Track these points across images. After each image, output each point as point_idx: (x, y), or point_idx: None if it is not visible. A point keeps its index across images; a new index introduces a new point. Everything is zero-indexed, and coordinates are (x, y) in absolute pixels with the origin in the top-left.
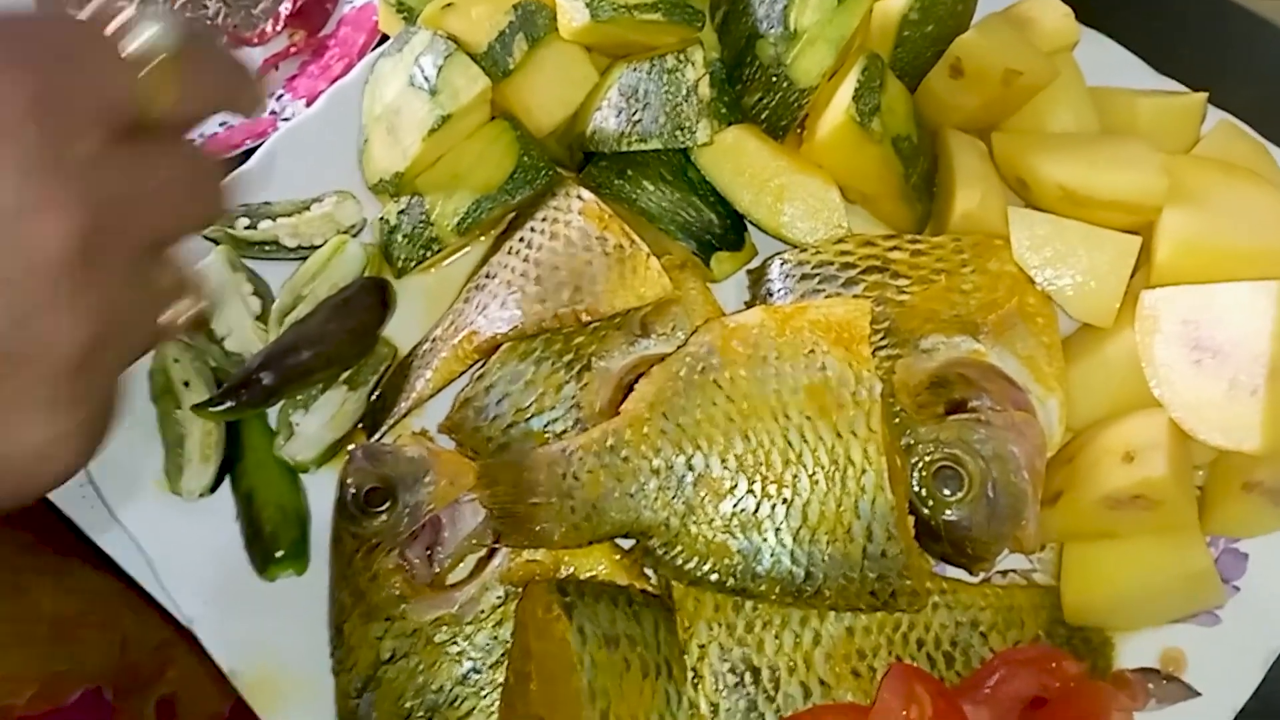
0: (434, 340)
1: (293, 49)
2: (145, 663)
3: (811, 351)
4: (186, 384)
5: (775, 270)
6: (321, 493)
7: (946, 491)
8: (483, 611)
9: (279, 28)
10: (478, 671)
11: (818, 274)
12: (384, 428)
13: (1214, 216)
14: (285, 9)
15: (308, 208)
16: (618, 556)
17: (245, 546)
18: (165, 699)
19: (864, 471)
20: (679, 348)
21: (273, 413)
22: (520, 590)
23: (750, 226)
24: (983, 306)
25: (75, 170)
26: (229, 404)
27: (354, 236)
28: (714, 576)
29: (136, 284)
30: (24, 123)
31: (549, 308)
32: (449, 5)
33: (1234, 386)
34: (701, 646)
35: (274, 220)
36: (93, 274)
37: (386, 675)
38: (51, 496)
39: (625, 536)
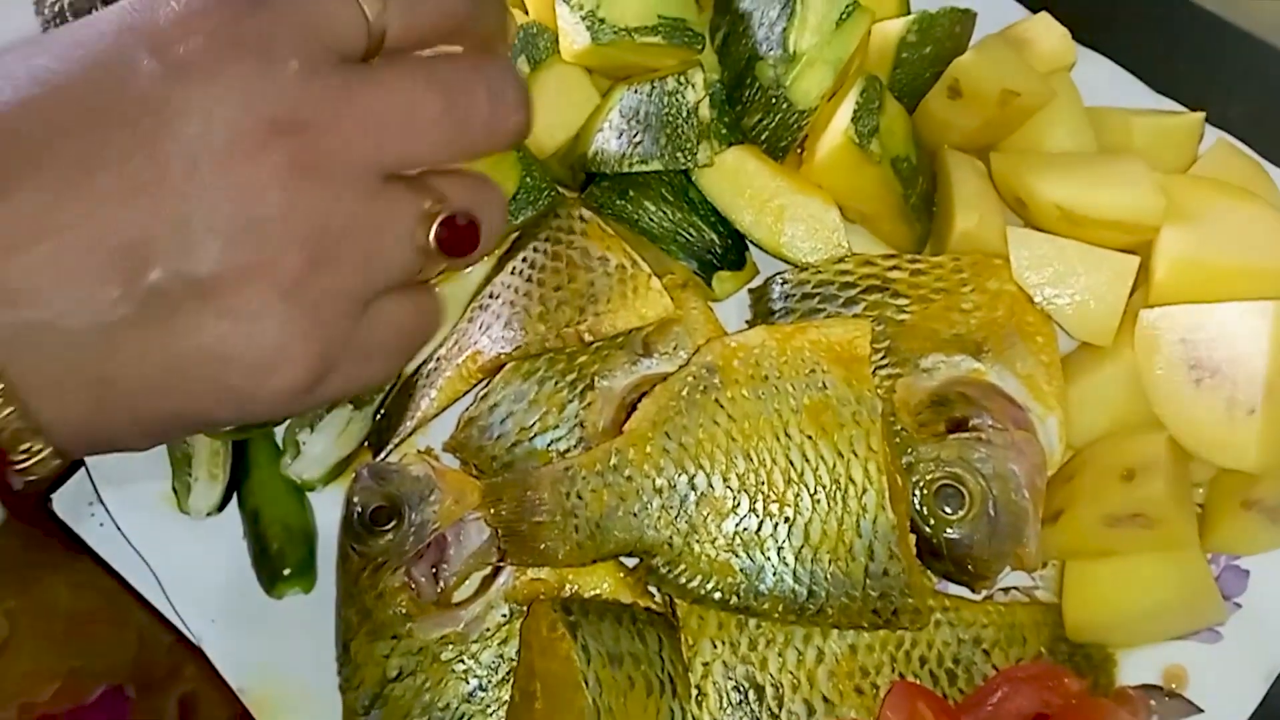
0: (438, 360)
1: None
2: (161, 660)
3: (812, 371)
4: None
5: (776, 290)
6: (328, 511)
7: (948, 510)
8: (488, 629)
9: None
10: (483, 689)
11: (818, 293)
12: (389, 446)
13: (1212, 236)
14: None
15: None
16: (622, 575)
17: (252, 565)
18: (186, 696)
19: (865, 490)
20: (681, 367)
21: (279, 431)
22: (525, 608)
23: (751, 246)
24: (982, 325)
25: (287, 90)
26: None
27: None
28: (717, 595)
29: (369, 204)
30: (237, 47)
31: (552, 327)
32: None
33: (1232, 406)
34: (705, 664)
35: None
36: (307, 187)
37: (393, 693)
38: (61, 515)
39: (629, 555)
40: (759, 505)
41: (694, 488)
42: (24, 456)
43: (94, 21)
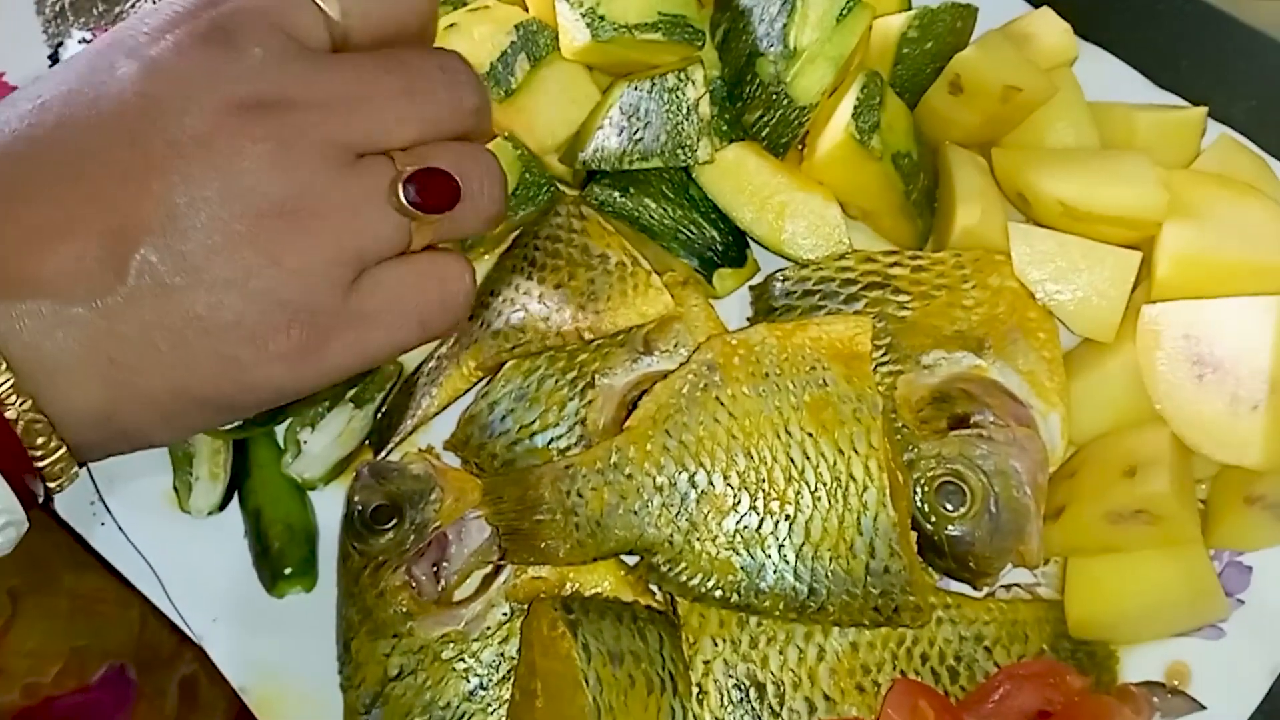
0: (439, 358)
1: None
2: (165, 641)
3: (813, 368)
4: None
5: (777, 287)
6: (329, 509)
7: (949, 507)
8: (489, 628)
9: None
10: (484, 688)
11: (819, 290)
12: (390, 445)
13: (1214, 231)
14: None
15: None
16: (622, 573)
17: (254, 564)
18: (187, 678)
19: (866, 488)
20: (681, 365)
21: (280, 430)
22: (526, 607)
23: (752, 243)
24: (984, 322)
25: (252, 75)
26: (237, 422)
27: None
28: (718, 593)
29: (342, 174)
30: (204, 43)
31: (552, 325)
32: (452, 25)
33: (1235, 401)
34: (706, 662)
35: None
36: (278, 160)
37: (394, 692)
38: (62, 514)
39: (629, 553)
40: (759, 503)
41: (694, 485)
42: (40, 453)
43: (86, 47)
